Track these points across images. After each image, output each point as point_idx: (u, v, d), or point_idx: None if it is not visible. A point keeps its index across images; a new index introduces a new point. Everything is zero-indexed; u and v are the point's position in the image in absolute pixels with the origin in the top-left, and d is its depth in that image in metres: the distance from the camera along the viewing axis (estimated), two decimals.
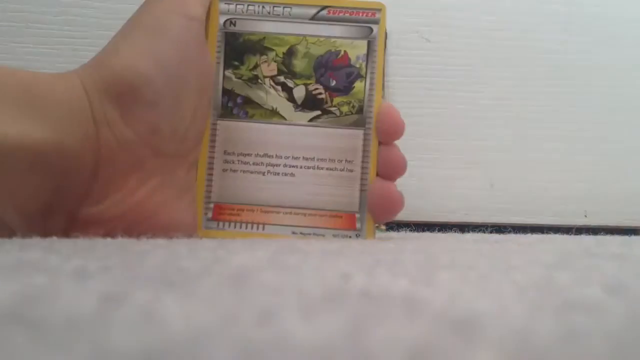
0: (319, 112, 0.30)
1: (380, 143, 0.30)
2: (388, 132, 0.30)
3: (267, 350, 0.08)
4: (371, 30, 0.30)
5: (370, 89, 0.30)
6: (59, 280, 0.13)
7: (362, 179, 0.30)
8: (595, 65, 0.54)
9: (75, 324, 0.09)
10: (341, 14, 0.30)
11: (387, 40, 0.52)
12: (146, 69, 0.26)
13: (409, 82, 0.53)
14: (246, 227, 0.30)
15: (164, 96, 0.27)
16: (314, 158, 0.30)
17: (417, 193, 0.52)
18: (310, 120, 0.30)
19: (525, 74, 0.53)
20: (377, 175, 0.30)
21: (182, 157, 0.28)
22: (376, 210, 0.30)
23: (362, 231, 0.30)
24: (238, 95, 0.30)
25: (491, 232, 0.50)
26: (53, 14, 0.51)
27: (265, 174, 0.30)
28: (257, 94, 0.30)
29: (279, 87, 0.30)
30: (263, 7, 0.30)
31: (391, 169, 0.30)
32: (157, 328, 0.09)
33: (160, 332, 0.09)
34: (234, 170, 0.30)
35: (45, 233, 0.25)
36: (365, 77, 0.30)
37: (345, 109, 0.30)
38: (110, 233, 0.26)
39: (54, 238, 0.24)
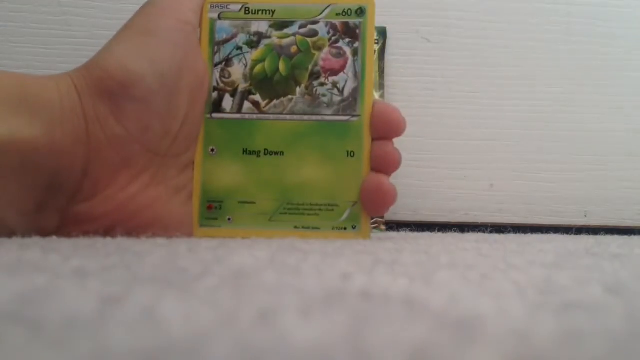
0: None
1: (378, 138, 0.30)
2: (388, 129, 0.30)
3: (266, 350, 0.08)
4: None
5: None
6: (59, 280, 0.13)
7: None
8: (595, 65, 0.54)
9: (75, 324, 0.09)
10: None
11: (386, 40, 0.52)
12: (137, 67, 0.27)
13: (409, 82, 0.53)
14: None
15: (155, 94, 0.27)
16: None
17: (417, 193, 0.52)
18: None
19: (525, 73, 0.53)
20: (372, 169, 0.30)
21: (174, 157, 0.29)
22: (369, 203, 0.30)
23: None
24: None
25: (491, 232, 0.50)
26: (53, 14, 0.51)
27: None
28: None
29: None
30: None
31: (386, 164, 0.30)
32: (157, 328, 0.09)
33: (160, 332, 0.09)
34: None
35: (39, 230, 0.25)
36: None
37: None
38: (101, 229, 0.26)
39: (54, 238, 0.24)
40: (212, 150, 0.30)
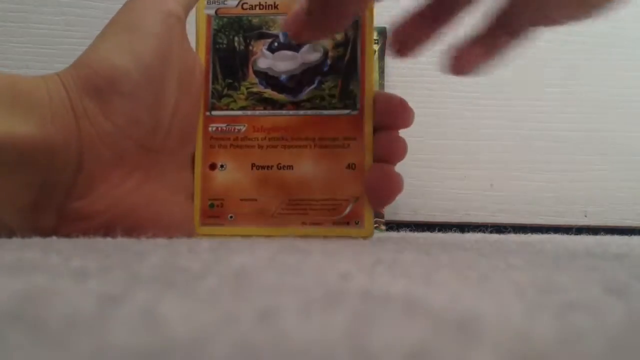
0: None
1: (382, 128, 0.30)
2: (393, 119, 0.30)
3: (266, 350, 0.08)
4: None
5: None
6: (59, 280, 0.13)
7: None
8: (595, 65, 0.54)
9: (75, 324, 0.09)
10: None
11: (386, 40, 0.52)
12: (121, 61, 0.27)
13: (409, 82, 0.53)
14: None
15: (142, 88, 0.27)
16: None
17: (417, 193, 0.52)
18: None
19: (525, 74, 0.53)
20: (375, 160, 0.30)
21: (170, 154, 0.29)
22: (373, 193, 0.29)
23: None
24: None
25: (491, 232, 0.50)
26: (53, 14, 0.51)
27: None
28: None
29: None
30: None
31: (390, 153, 0.30)
32: (157, 328, 0.09)
33: (160, 332, 0.09)
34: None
35: (36, 229, 0.26)
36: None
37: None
38: (100, 227, 0.26)
39: (54, 238, 0.24)
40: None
